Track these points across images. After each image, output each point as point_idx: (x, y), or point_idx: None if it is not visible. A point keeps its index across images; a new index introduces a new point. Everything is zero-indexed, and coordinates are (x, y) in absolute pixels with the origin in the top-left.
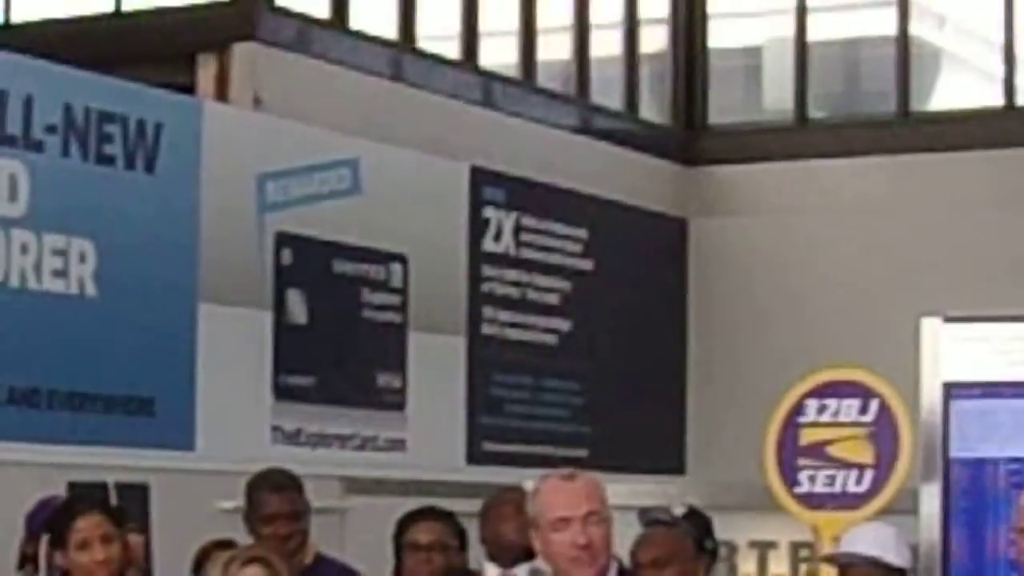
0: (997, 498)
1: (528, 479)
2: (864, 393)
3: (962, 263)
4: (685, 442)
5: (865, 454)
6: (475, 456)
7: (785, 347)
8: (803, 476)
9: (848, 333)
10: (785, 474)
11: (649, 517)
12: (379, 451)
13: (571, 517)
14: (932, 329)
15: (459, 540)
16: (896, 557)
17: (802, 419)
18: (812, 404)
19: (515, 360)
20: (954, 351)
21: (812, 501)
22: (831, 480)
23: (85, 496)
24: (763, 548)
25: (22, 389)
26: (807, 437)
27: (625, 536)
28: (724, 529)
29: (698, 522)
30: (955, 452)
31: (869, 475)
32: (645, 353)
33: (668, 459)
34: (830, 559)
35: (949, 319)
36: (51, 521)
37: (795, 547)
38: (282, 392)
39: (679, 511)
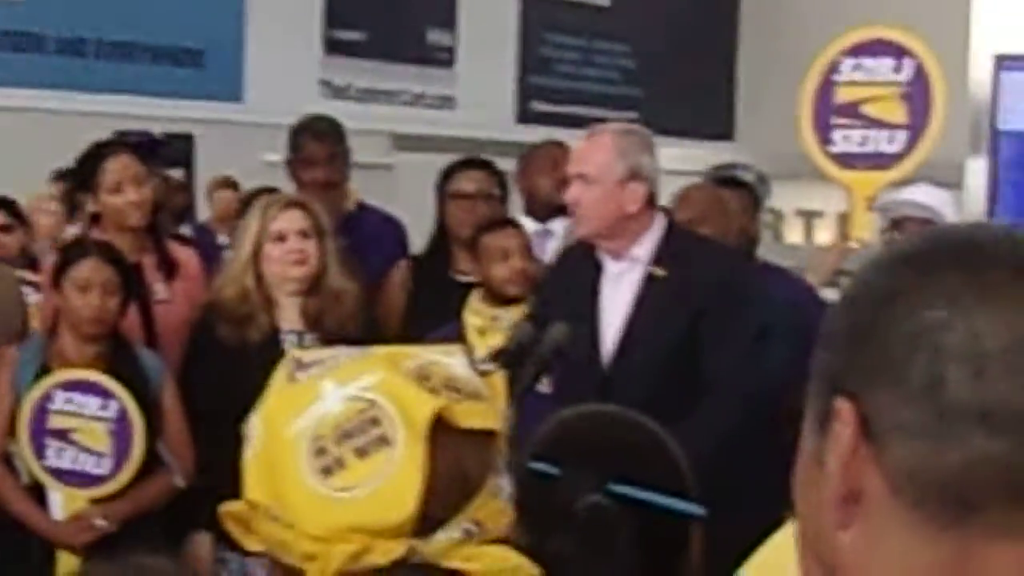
0: None
1: (575, 140)
2: (898, 52)
3: None
4: (735, 108)
5: (898, 114)
6: (524, 115)
7: (839, 14)
8: (837, 135)
9: (903, 3)
10: (820, 133)
11: (726, 174)
12: (428, 108)
13: (567, 172)
14: (984, 1)
15: (502, 190)
16: (954, 219)
17: (837, 77)
18: (848, 63)
19: (567, 20)
20: (1006, 23)
21: (846, 160)
22: (864, 140)
23: (111, 139)
24: (809, 217)
25: (69, 38)
26: (842, 96)
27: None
28: (771, 197)
29: (765, 189)
30: (1003, 124)
31: (902, 135)
32: (697, 16)
33: (717, 125)
34: (884, 209)
35: None
36: (79, 165)
37: (841, 217)
38: (332, 46)
39: (749, 176)
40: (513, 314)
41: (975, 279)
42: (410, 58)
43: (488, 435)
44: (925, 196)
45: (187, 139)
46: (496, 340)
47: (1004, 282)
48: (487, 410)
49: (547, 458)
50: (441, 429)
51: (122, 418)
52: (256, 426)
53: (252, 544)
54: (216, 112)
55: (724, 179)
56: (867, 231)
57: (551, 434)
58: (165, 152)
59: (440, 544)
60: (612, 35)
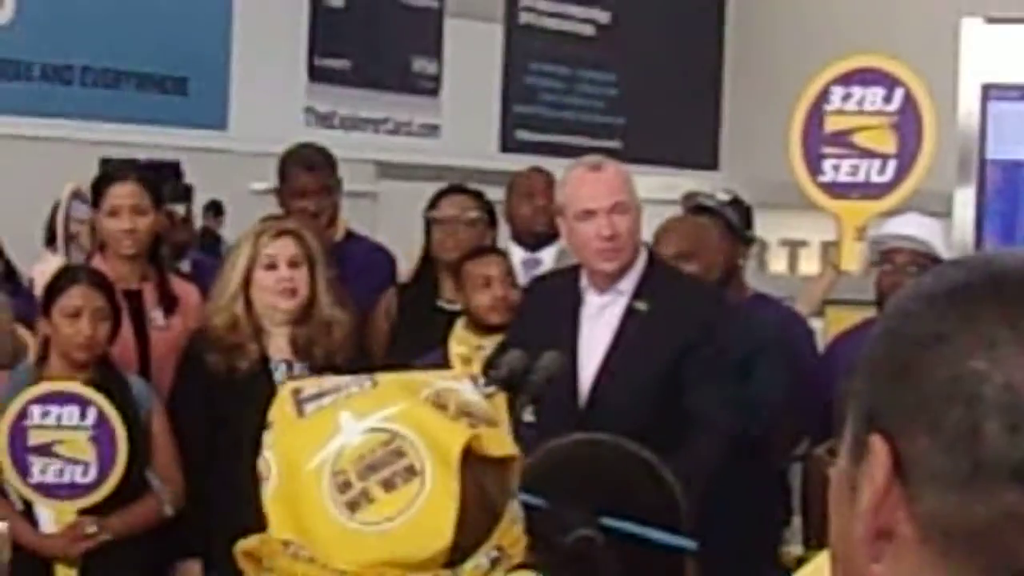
0: None
1: (560, 169)
2: (889, 82)
3: None
4: (719, 137)
5: (888, 144)
6: (509, 144)
7: (824, 43)
8: (827, 165)
9: (889, 31)
10: (810, 162)
11: (694, 202)
12: (412, 136)
13: (596, 209)
14: (973, 29)
15: (489, 217)
16: (944, 250)
17: (828, 106)
18: (838, 91)
19: (552, 50)
20: (994, 53)
21: (835, 190)
22: (854, 170)
23: (123, 162)
24: (794, 246)
25: (56, 66)
26: (832, 125)
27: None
28: (756, 226)
29: (740, 210)
30: (991, 154)
31: (892, 165)
32: (682, 46)
33: (702, 154)
34: (875, 242)
35: (991, 20)
36: (94, 186)
37: (826, 246)
38: (317, 74)
39: (723, 198)
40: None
41: (1018, 326)
42: (395, 86)
43: (506, 460)
44: (915, 228)
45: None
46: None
47: None
48: (505, 436)
49: (536, 490)
50: (466, 458)
51: (102, 424)
52: (272, 463)
53: None
54: (201, 140)
55: (691, 208)
56: (855, 261)
57: (540, 465)
58: (176, 187)
59: (469, 573)
60: (596, 64)
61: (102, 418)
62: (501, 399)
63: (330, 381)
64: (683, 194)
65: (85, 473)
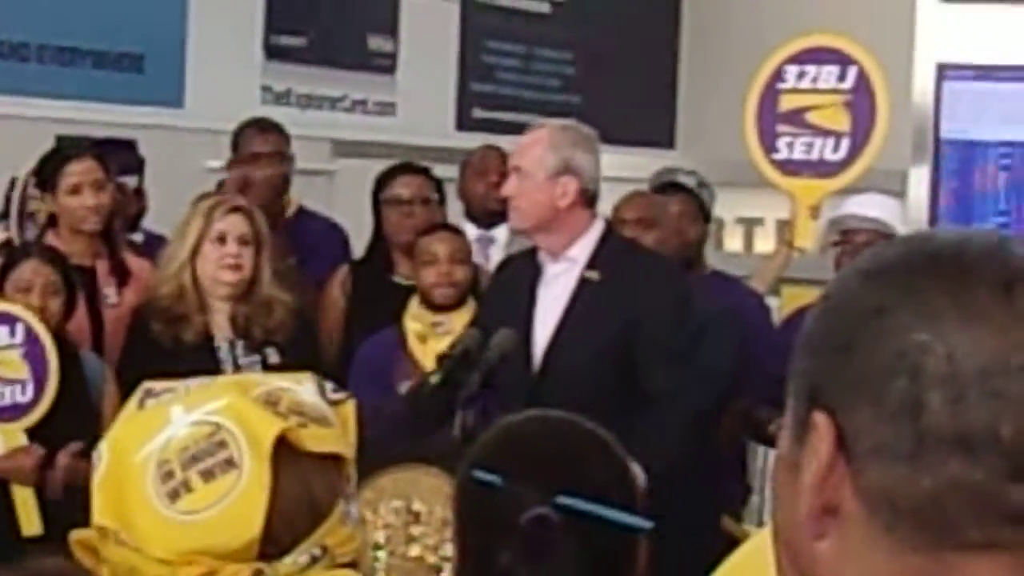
0: (985, 181)
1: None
2: (843, 60)
3: None
4: (676, 116)
5: (841, 122)
6: (465, 122)
7: (779, 22)
8: (781, 143)
9: (844, 9)
10: (764, 140)
11: (669, 179)
12: (368, 114)
13: (508, 167)
14: (928, 9)
15: (438, 194)
16: (901, 226)
17: (782, 85)
18: (792, 70)
19: (508, 28)
20: (949, 32)
21: (789, 167)
22: (808, 147)
23: (76, 141)
24: (749, 224)
25: (11, 43)
26: (786, 103)
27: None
28: (715, 204)
29: (709, 193)
30: (946, 134)
31: (845, 143)
32: (638, 24)
33: (658, 133)
34: (834, 221)
35: (945, 0)
36: (41, 165)
37: (781, 224)
38: (273, 52)
39: (690, 181)
40: (454, 319)
41: (958, 298)
42: (351, 64)
43: (337, 461)
44: (876, 209)
45: (130, 145)
46: (439, 345)
47: (987, 302)
48: (334, 435)
49: (491, 467)
50: (288, 453)
51: (31, 339)
52: (104, 452)
53: (104, 572)
54: (157, 117)
55: (665, 184)
56: (810, 239)
57: (495, 441)
58: (128, 159)
59: (286, 568)
60: (553, 43)
61: (30, 333)
62: (349, 407)
63: (182, 382)
64: (658, 170)
65: (23, 391)
